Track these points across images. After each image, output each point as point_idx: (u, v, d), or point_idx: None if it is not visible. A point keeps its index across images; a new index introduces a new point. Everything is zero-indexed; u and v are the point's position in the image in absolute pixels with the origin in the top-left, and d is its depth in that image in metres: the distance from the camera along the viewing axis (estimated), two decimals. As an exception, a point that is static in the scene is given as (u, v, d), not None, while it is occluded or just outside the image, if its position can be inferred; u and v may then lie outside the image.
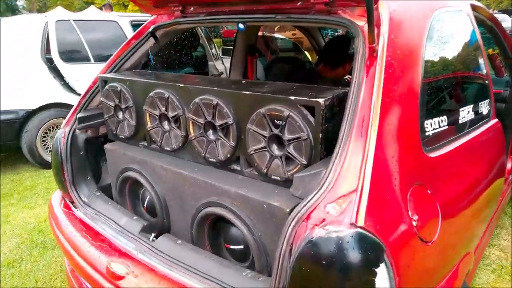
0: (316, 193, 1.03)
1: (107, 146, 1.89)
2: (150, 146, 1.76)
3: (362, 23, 1.25)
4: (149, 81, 1.67)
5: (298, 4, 1.44)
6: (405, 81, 1.21)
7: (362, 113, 1.10)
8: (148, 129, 1.70)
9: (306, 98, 1.20)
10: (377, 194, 1.01)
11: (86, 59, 4.44)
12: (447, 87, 1.50)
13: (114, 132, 1.88)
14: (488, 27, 2.33)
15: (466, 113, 1.54)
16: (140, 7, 1.99)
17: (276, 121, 1.27)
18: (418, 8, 1.40)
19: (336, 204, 1.01)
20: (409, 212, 1.07)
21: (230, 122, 1.39)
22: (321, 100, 1.17)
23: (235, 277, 1.25)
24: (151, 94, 1.63)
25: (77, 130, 1.89)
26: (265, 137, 1.31)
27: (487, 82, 1.83)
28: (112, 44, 4.42)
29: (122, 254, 1.50)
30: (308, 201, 1.03)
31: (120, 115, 1.82)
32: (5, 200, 3.56)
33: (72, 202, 1.87)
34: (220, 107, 1.40)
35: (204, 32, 5.56)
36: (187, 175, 1.51)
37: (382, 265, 0.97)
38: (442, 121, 1.35)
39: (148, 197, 1.76)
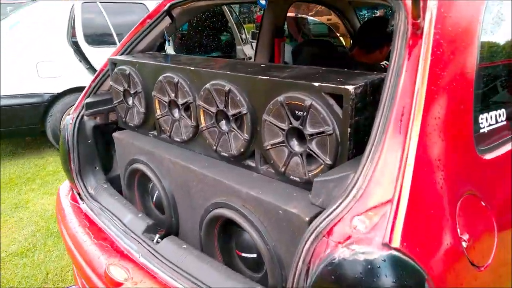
0: (341, 202, 0.84)
1: (116, 134, 1.75)
2: (160, 136, 1.60)
3: None
4: (158, 63, 1.50)
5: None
6: (457, 66, 0.97)
7: (402, 104, 0.88)
8: (157, 117, 1.54)
9: (333, 85, 0.99)
10: (418, 207, 0.81)
11: (112, 43, 4.34)
12: (508, 74, 1.24)
13: (124, 120, 1.73)
14: None
15: None
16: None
17: (296, 112, 1.07)
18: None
19: (366, 218, 0.81)
20: (458, 230, 0.85)
21: (244, 112, 1.20)
22: (350, 88, 0.96)
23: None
24: (160, 78, 1.46)
25: (85, 117, 1.75)
26: (283, 130, 1.11)
27: None
28: (138, 27, 4.30)
29: (124, 256, 1.36)
30: (331, 212, 0.84)
31: (130, 101, 1.67)
32: (27, 185, 3.53)
33: (79, 194, 1.74)
34: (233, 94, 1.21)
35: (235, 17, 5.38)
36: (196, 171, 1.34)
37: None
38: (500, 115, 1.11)
39: (156, 192, 1.61)
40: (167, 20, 1.83)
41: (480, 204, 0.94)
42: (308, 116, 1.04)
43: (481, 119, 1.04)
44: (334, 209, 0.84)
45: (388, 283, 0.74)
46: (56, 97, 4.03)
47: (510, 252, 1.01)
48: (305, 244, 0.84)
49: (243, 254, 1.30)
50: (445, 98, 0.92)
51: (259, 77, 1.16)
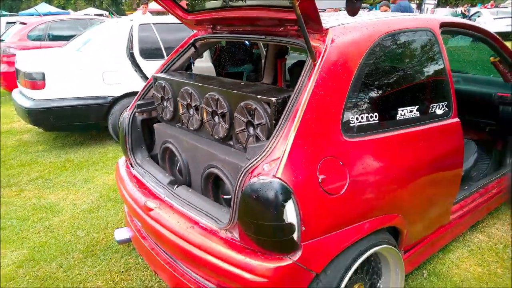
0: (258, 157, 1.66)
1: (156, 125, 2.65)
2: (182, 126, 2.47)
3: (317, 44, 1.82)
4: (181, 80, 2.38)
5: (281, 29, 2.05)
6: (332, 89, 1.75)
7: (296, 107, 1.69)
8: (180, 114, 2.42)
9: (266, 97, 1.82)
10: (293, 160, 1.61)
11: (161, 56, 5.33)
12: (377, 96, 1.95)
13: (161, 116, 2.63)
14: (478, 37, 2.71)
15: (401, 114, 2.01)
16: (186, 25, 2.69)
17: (250, 112, 1.90)
18: (361, 35, 1.91)
19: (269, 165, 1.63)
20: (317, 173, 1.64)
21: (225, 111, 2.04)
22: (273, 99, 1.78)
23: (216, 210, 1.92)
24: (181, 89, 2.34)
25: (136, 113, 2.67)
26: (244, 122, 1.94)
27: (440, 90, 2.25)
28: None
29: (155, 197, 2.24)
30: (253, 162, 1.66)
31: (164, 103, 2.56)
32: (92, 166, 4.58)
33: (131, 164, 2.65)
34: (220, 101, 2.06)
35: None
36: (199, 147, 2.20)
37: (290, 202, 1.56)
38: (370, 117, 1.87)
39: (178, 162, 2.48)
40: (192, 50, 2.72)
41: (338, 163, 1.72)
42: (255, 114, 1.87)
43: (352, 118, 1.81)
44: (255, 160, 1.66)
45: (273, 192, 1.55)
46: (116, 100, 5.06)
47: (363, 194, 1.78)
48: (240, 177, 1.66)
49: (224, 196, 2.14)
50: (320, 105, 1.71)
51: (233, 91, 2.00)
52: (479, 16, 19.37)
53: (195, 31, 2.74)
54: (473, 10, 22.76)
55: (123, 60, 5.12)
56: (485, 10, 19.75)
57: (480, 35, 2.71)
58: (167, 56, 5.23)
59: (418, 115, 2.10)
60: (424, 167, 2.12)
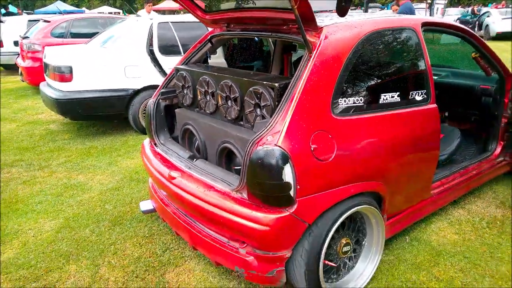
0: (263, 130, 2.07)
1: (177, 110, 3.07)
2: (200, 111, 2.89)
3: (313, 39, 2.22)
4: (199, 70, 2.80)
5: (284, 27, 2.46)
6: (324, 76, 2.15)
7: (294, 91, 2.10)
8: (199, 100, 2.84)
9: (270, 83, 2.23)
10: (290, 132, 2.01)
11: (178, 52, 5.75)
12: (363, 83, 2.34)
13: (181, 102, 3.05)
14: (458, 36, 3.09)
15: (383, 99, 2.39)
16: (204, 23, 3.11)
17: (257, 95, 2.31)
18: (350, 32, 2.31)
19: (272, 136, 2.04)
20: (310, 143, 2.05)
21: (237, 96, 2.46)
22: (276, 84, 2.19)
23: (229, 176, 2.33)
24: (200, 78, 2.76)
25: (160, 100, 3.09)
26: (252, 104, 2.36)
27: (419, 80, 2.63)
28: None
29: (177, 169, 2.65)
30: (259, 134, 2.07)
31: (185, 91, 2.98)
32: (115, 152, 5.04)
33: (155, 144, 3.08)
34: (232, 87, 2.47)
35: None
36: (215, 126, 2.61)
37: (288, 165, 1.98)
38: (356, 100, 2.27)
39: (197, 141, 2.90)
40: (209, 45, 3.14)
41: (327, 136, 2.12)
42: (261, 97, 2.28)
43: (340, 100, 2.20)
44: (260, 133, 2.07)
45: (274, 157, 1.96)
46: (137, 92, 5.49)
47: (347, 162, 2.17)
48: (249, 146, 2.07)
49: (236, 167, 2.56)
50: (313, 90, 2.11)
51: (244, 78, 2.41)
52: (488, 16, 19.54)
53: (211, 29, 3.15)
54: (485, 9, 22.87)
55: (143, 55, 5.55)
56: (495, 10, 19.88)
57: (460, 34, 3.09)
58: (183, 52, 5.68)
59: (399, 100, 2.48)
60: (404, 144, 2.51)
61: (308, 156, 2.05)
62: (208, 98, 2.76)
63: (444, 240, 2.90)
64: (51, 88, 5.51)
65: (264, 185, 2.03)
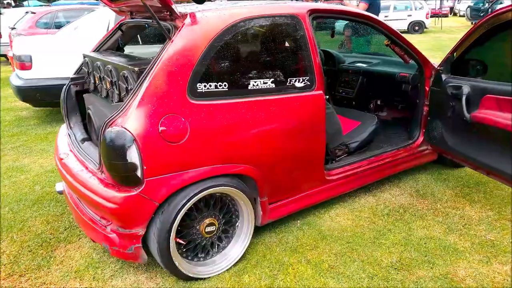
0: (116, 113, 2.16)
1: (85, 95, 3.18)
2: (98, 95, 3.00)
3: (178, 25, 2.30)
4: (94, 56, 2.90)
5: (161, 15, 2.53)
6: (181, 61, 2.22)
7: (148, 75, 2.18)
8: (96, 85, 2.95)
9: (131, 66, 2.32)
10: (138, 115, 2.10)
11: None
12: (227, 69, 2.39)
13: (88, 87, 3.16)
14: (354, 21, 3.11)
15: (253, 85, 2.44)
16: (115, 12, 3.21)
17: (125, 79, 2.40)
18: (216, 19, 2.37)
19: (122, 118, 2.13)
20: (159, 125, 2.13)
21: (115, 80, 2.55)
22: (136, 68, 2.28)
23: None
24: (94, 64, 2.86)
25: (71, 86, 3.21)
26: (124, 87, 2.44)
27: (300, 67, 2.65)
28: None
29: (70, 151, 2.78)
30: (111, 116, 2.16)
31: (90, 77, 3.10)
32: (69, 138, 5.20)
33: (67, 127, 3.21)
34: (112, 72, 2.56)
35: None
36: (103, 110, 2.71)
37: (133, 147, 2.07)
38: (219, 85, 2.33)
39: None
40: (119, 32, 3.24)
41: (180, 119, 2.19)
42: (127, 80, 2.36)
43: (199, 85, 2.27)
44: (113, 115, 2.16)
45: (120, 138, 2.05)
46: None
47: (200, 141, 2.24)
48: (102, 128, 2.17)
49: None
50: (167, 74, 2.18)
51: (115, 62, 2.51)
52: (501, 3, 19.03)
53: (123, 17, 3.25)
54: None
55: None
56: (508, -3, 19.37)
57: (356, 18, 3.09)
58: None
59: (274, 86, 2.53)
60: (279, 130, 2.55)
61: (156, 138, 2.13)
62: (102, 83, 2.86)
63: (336, 225, 2.95)
64: (16, 76, 5.72)
65: (112, 165, 2.14)
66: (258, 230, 2.83)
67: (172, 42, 2.23)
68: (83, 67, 3.16)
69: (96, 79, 2.93)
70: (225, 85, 2.36)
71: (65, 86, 3.20)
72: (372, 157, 3.31)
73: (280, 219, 2.88)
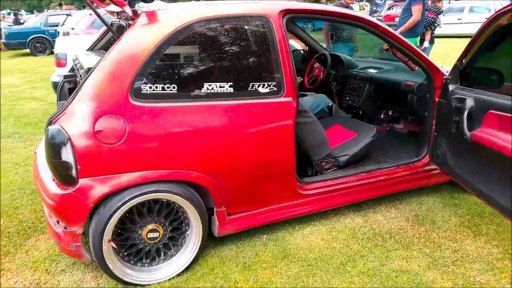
0: (59, 111, 2.18)
1: (76, 92, 3.29)
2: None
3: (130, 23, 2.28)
4: (77, 56, 2.97)
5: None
6: (125, 61, 2.18)
7: (92, 72, 2.17)
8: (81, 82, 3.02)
9: (85, 66, 2.32)
10: (74, 114, 2.10)
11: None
12: (178, 71, 2.29)
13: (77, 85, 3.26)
14: (336, 21, 2.84)
15: (207, 89, 2.32)
16: (107, 11, 3.27)
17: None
18: (170, 18, 2.29)
19: (62, 117, 2.14)
20: (94, 126, 2.10)
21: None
22: (86, 67, 2.28)
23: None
24: (76, 63, 2.93)
25: (65, 83, 3.33)
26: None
27: (264, 72, 2.48)
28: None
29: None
30: (55, 114, 2.18)
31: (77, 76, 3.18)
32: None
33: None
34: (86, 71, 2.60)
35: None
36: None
37: (67, 145, 2.07)
38: (167, 88, 2.25)
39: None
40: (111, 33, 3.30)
41: (119, 120, 2.15)
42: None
43: (144, 86, 2.20)
44: (57, 113, 2.18)
45: (55, 137, 2.06)
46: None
47: (139, 144, 2.17)
48: (47, 125, 2.19)
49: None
50: (108, 74, 2.14)
51: (81, 62, 2.53)
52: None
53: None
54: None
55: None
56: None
57: (341, 19, 2.82)
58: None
59: (232, 91, 2.40)
60: (239, 138, 2.40)
61: (91, 138, 2.11)
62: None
63: (305, 244, 2.73)
64: (56, 75, 6.19)
65: (51, 163, 2.16)
66: (219, 241, 2.72)
67: (119, 41, 2.20)
68: (74, 66, 3.26)
69: (79, 77, 3.00)
70: (173, 87, 2.28)
71: (59, 84, 3.32)
72: (362, 173, 3.03)
73: (245, 231, 2.73)
